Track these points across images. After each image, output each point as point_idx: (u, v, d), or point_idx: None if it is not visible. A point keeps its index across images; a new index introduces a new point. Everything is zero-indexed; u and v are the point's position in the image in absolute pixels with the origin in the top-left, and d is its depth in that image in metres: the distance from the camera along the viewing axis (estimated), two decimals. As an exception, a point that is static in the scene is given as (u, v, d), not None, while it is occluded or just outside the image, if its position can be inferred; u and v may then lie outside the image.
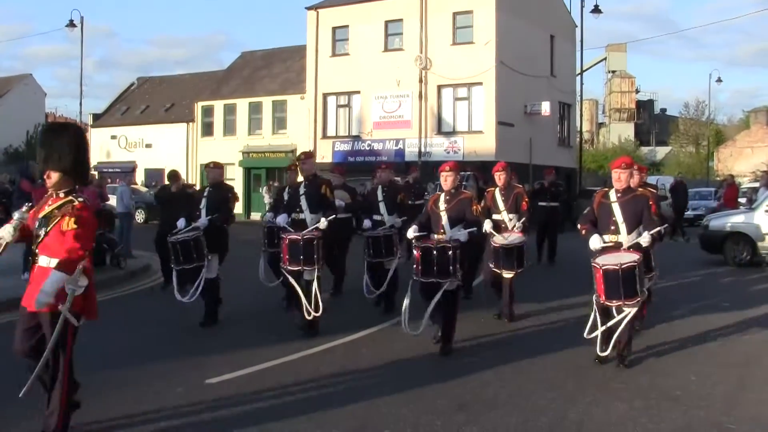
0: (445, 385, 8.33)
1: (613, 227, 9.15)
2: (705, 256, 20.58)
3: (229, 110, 47.85)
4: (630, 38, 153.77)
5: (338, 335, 10.82)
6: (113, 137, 52.54)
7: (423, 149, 39.10)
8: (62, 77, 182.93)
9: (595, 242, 9.06)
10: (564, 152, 44.18)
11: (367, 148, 40.68)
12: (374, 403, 7.58)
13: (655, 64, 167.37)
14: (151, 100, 54.58)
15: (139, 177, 48.77)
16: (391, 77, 39.84)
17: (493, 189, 12.66)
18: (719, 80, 62.91)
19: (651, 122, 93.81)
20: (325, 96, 42.74)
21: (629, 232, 9.06)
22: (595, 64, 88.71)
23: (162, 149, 49.88)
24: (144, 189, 41.05)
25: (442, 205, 10.17)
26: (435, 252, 9.49)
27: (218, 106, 48.45)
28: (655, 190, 14.03)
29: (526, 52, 38.78)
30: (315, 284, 10.73)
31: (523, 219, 12.26)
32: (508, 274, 11.88)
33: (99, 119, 55.11)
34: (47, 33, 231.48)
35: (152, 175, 47.99)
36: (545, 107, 40.06)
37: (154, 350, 10.08)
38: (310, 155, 12.16)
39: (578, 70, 45.93)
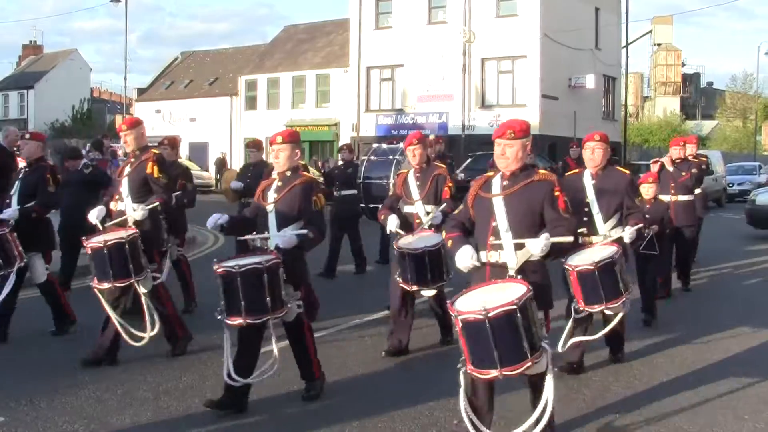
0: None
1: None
2: (752, 231, 20.35)
3: (273, 84, 48.00)
4: (677, 10, 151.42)
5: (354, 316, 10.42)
6: (157, 111, 52.94)
7: (466, 123, 38.97)
8: (107, 52, 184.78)
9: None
10: (608, 126, 43.70)
11: (411, 122, 40.58)
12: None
13: (702, 36, 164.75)
14: (195, 74, 54.90)
15: (183, 151, 49.14)
16: (434, 50, 39.67)
17: (405, 171, 9.11)
18: (768, 53, 61.77)
19: (697, 96, 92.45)
20: (368, 69, 42.70)
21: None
22: (640, 37, 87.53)
23: (206, 123, 50.18)
24: (189, 162, 41.29)
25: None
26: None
27: (262, 79, 48.62)
28: (706, 160, 14.34)
29: (571, 25, 38.38)
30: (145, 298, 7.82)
31: (442, 207, 8.57)
32: (427, 292, 8.44)
33: (143, 94, 55.62)
34: (93, 8, 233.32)
35: (197, 148, 48.38)
36: (590, 80, 39.73)
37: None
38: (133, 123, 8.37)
39: (623, 43, 45.36)
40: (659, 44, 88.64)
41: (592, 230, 7.61)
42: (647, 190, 10.57)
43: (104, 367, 7.57)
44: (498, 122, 38.22)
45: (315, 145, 44.56)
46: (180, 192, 10.02)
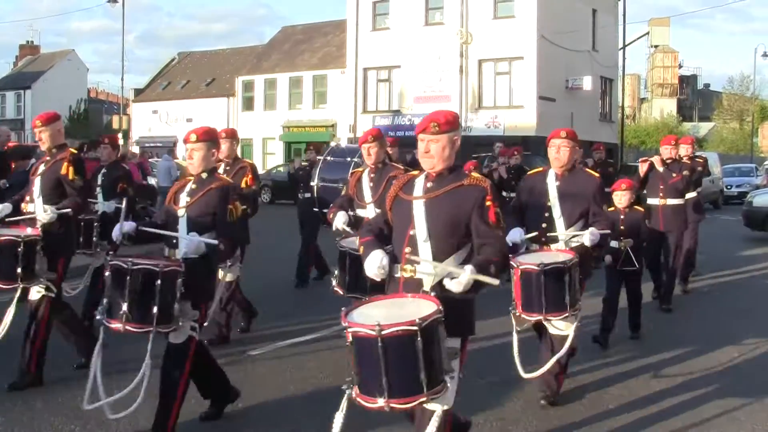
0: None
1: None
2: (748, 233, 20.35)
3: (270, 85, 48.00)
4: (674, 12, 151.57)
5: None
6: (154, 112, 52.91)
7: (464, 124, 38.95)
8: (104, 53, 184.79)
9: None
10: (606, 127, 43.75)
11: (408, 123, 40.54)
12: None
13: (699, 38, 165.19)
14: (192, 74, 54.86)
15: (180, 152, 49.13)
16: (431, 52, 39.66)
17: (360, 170, 8.48)
18: (765, 55, 61.72)
19: (694, 97, 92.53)
20: (365, 70, 42.68)
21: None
22: (637, 39, 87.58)
23: (203, 124, 49.82)
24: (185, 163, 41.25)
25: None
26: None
27: (259, 80, 48.61)
28: (704, 162, 13.64)
29: (568, 26, 38.36)
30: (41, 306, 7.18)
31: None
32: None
33: (140, 94, 55.58)
34: (90, 8, 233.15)
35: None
36: (587, 82, 39.74)
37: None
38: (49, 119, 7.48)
39: (620, 45, 45.37)
40: (656, 46, 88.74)
41: (552, 237, 6.72)
42: (620, 198, 9.34)
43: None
44: (495, 124, 38.46)
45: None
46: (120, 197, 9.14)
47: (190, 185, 6.11)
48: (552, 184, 6.84)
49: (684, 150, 12.48)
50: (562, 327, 6.49)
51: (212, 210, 5.95)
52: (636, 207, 9.61)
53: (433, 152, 4.67)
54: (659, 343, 9.15)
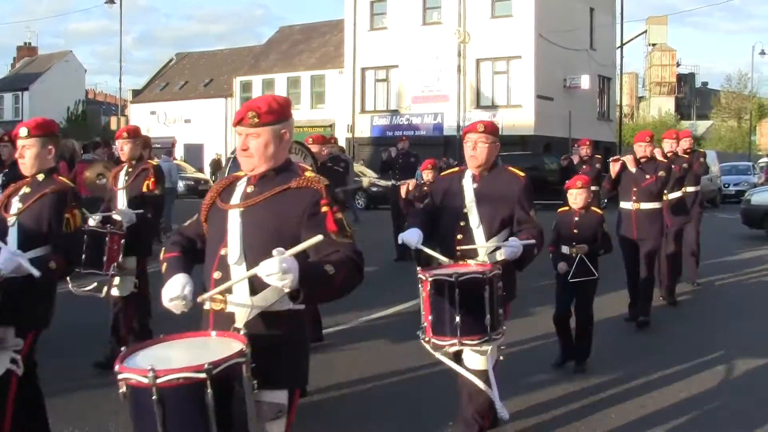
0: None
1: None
2: (746, 231, 20.37)
3: (268, 85, 47.98)
4: (671, 10, 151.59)
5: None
6: (152, 113, 52.89)
7: (461, 123, 38.96)
8: (102, 54, 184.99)
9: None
10: (603, 126, 43.79)
11: (406, 123, 40.61)
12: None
13: (696, 36, 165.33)
14: (189, 75, 54.85)
15: (178, 153, 49.12)
16: (429, 51, 39.67)
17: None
18: (763, 53, 61.79)
19: (692, 96, 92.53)
20: (363, 70, 42.69)
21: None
22: (635, 37, 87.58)
23: (201, 124, 50.15)
24: (184, 164, 41.22)
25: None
26: None
27: (257, 81, 48.60)
28: (704, 157, 12.94)
29: (566, 25, 38.39)
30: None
31: None
32: None
33: (138, 95, 55.58)
34: (87, 10, 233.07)
35: (192, 150, 48.31)
36: (584, 81, 39.78)
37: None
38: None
39: (618, 43, 45.41)
40: (654, 44, 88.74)
41: (467, 250, 5.55)
42: (575, 198, 8.07)
43: (100, 370, 7.53)
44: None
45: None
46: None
47: (24, 189, 5.16)
48: (468, 187, 5.71)
49: (685, 143, 12.21)
50: (475, 362, 5.27)
51: (47, 219, 5.00)
52: (594, 209, 8.25)
53: (252, 149, 3.66)
54: (656, 341, 9.16)
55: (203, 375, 2.95)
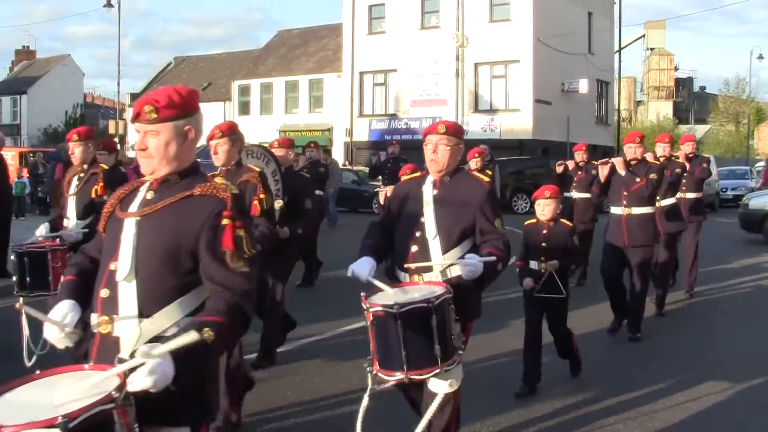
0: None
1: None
2: (744, 235, 20.39)
3: (266, 89, 48.00)
4: (669, 14, 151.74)
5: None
6: (151, 116, 52.90)
7: (459, 128, 39.00)
8: (100, 57, 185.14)
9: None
10: (602, 130, 43.85)
11: (404, 127, 40.64)
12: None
13: (694, 40, 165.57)
14: (188, 79, 54.80)
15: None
16: (427, 55, 39.72)
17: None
18: (761, 57, 61.82)
19: (690, 100, 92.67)
20: (361, 74, 42.73)
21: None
22: (633, 42, 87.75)
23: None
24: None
25: None
26: None
27: (255, 84, 48.61)
28: (707, 162, 12.53)
29: (564, 30, 38.45)
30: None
31: None
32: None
33: (136, 99, 55.49)
34: (86, 13, 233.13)
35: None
36: (583, 85, 39.83)
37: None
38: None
39: (616, 48, 45.47)
40: (652, 49, 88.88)
41: (423, 267, 4.92)
42: (543, 209, 7.43)
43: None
44: (491, 127, 38.48)
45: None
46: None
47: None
48: (428, 193, 5.12)
49: (687, 147, 12.12)
50: (437, 387, 4.68)
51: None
52: (563, 220, 7.62)
53: (151, 149, 3.21)
54: (653, 347, 9.15)
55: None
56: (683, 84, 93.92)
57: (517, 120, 37.50)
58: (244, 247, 3.06)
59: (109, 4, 47.11)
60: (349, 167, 33.40)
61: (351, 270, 4.84)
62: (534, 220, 7.55)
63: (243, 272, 3.04)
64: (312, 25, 50.94)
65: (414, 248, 4.95)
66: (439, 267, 4.86)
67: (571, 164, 13.61)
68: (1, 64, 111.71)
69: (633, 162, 9.51)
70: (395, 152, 16.95)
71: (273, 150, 8.34)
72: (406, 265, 4.95)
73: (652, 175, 9.40)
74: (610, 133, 44.92)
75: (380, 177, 16.43)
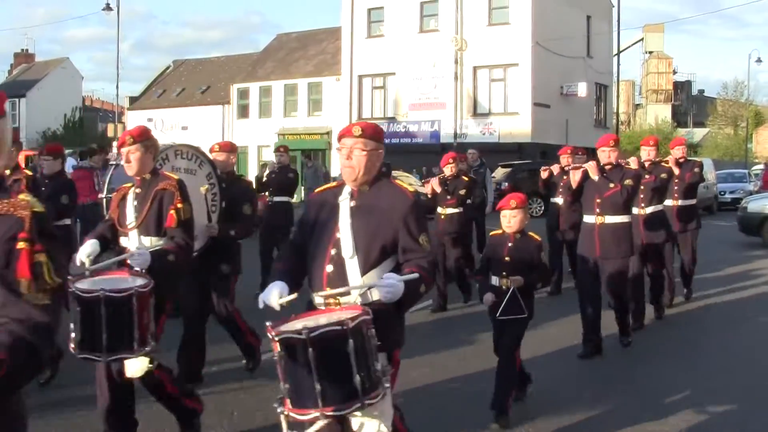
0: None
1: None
2: (743, 239, 20.43)
3: (265, 92, 48.02)
4: (668, 18, 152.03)
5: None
6: (149, 120, 52.79)
7: (458, 131, 39.02)
8: (99, 60, 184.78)
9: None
10: (600, 134, 43.56)
11: (403, 130, 40.66)
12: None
13: (693, 44, 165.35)
14: (187, 82, 54.87)
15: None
16: (426, 59, 39.75)
17: (128, 185, 6.13)
18: (759, 60, 61.88)
19: (688, 103, 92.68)
20: (360, 78, 42.76)
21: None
22: (632, 45, 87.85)
23: (198, 132, 50.04)
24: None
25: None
26: None
27: (254, 88, 48.63)
28: (699, 167, 11.74)
29: (562, 33, 38.46)
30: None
31: (159, 243, 5.77)
32: (129, 368, 5.38)
33: (135, 102, 55.60)
34: (84, 16, 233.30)
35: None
36: (581, 88, 39.87)
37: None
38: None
39: (615, 51, 45.51)
40: (650, 52, 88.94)
41: (341, 287, 4.26)
42: (509, 220, 6.69)
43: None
44: (490, 130, 38.51)
45: (307, 154, 44.56)
46: None
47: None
48: (344, 207, 4.44)
49: (678, 152, 11.43)
50: (368, 429, 4.04)
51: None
52: (531, 234, 6.86)
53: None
54: (649, 349, 9.16)
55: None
56: (682, 87, 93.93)
57: (516, 123, 37.53)
58: (45, 276, 2.55)
59: (108, 8, 47.11)
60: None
61: (260, 301, 4.22)
62: (499, 231, 6.84)
63: (41, 305, 2.53)
64: (311, 28, 50.96)
65: (329, 269, 4.32)
66: (358, 291, 4.20)
67: (556, 169, 12.71)
68: (0, 67, 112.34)
69: (607, 167, 8.82)
70: (283, 162, 13.87)
71: (213, 154, 8.00)
72: (319, 293, 4.31)
73: (628, 182, 8.63)
74: (608, 137, 44.90)
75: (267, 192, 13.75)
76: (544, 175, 12.51)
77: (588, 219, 8.82)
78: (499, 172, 29.69)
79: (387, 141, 27.08)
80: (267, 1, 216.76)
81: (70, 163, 16.22)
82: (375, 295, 4.08)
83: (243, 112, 48.98)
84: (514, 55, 37.63)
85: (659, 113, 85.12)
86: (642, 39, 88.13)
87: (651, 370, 8.19)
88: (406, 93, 40.88)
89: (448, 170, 11.64)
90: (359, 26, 42.57)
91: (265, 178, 13.59)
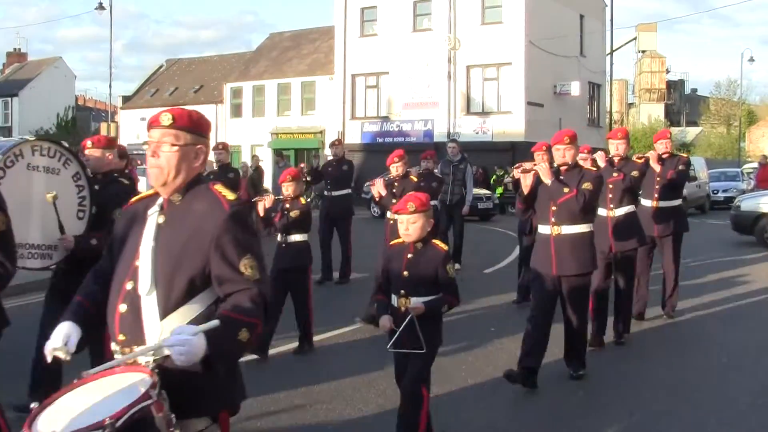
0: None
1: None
2: (736, 237, 20.46)
3: (258, 91, 47.96)
4: (661, 17, 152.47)
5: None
6: (143, 119, 52.62)
7: (452, 130, 38.99)
8: (92, 60, 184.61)
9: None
10: (594, 133, 43.84)
11: (396, 129, 40.63)
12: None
13: (686, 43, 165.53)
14: (179, 81, 54.79)
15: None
16: (419, 58, 39.70)
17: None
18: (752, 59, 62.00)
19: (681, 102, 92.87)
20: (353, 77, 42.68)
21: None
22: (625, 44, 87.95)
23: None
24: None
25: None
26: None
27: (247, 87, 48.56)
28: (684, 164, 10.49)
29: (556, 32, 38.43)
30: None
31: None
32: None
33: (128, 101, 55.47)
34: (77, 16, 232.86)
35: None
36: (575, 87, 39.89)
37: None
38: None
39: (608, 50, 45.52)
40: (644, 51, 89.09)
41: (136, 330, 3.19)
42: (407, 227, 5.56)
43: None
44: (483, 130, 38.47)
45: (300, 153, 44.48)
46: None
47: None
48: (151, 223, 3.32)
49: (661, 147, 10.35)
50: None
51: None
52: (436, 242, 5.68)
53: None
54: (642, 349, 9.16)
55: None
56: (675, 86, 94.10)
57: (509, 122, 37.51)
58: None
59: (100, 7, 46.98)
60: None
61: (47, 346, 3.17)
62: (400, 240, 5.69)
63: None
64: (304, 27, 50.89)
65: (122, 308, 3.21)
66: (151, 348, 3.02)
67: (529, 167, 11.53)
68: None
69: (562, 168, 7.58)
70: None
71: (87, 151, 6.69)
72: (113, 341, 3.25)
73: (586, 185, 7.35)
74: (602, 136, 44.83)
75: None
76: (516, 174, 9.51)
77: (543, 229, 7.62)
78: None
79: (380, 140, 26.91)
80: (260, 0, 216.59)
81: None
82: (172, 352, 2.84)
83: (236, 111, 48.90)
84: (507, 54, 37.60)
85: (652, 112, 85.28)
86: (635, 38, 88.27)
87: (643, 369, 8.19)
88: (400, 92, 40.82)
89: (394, 170, 10.69)
90: (352, 25, 42.50)
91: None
